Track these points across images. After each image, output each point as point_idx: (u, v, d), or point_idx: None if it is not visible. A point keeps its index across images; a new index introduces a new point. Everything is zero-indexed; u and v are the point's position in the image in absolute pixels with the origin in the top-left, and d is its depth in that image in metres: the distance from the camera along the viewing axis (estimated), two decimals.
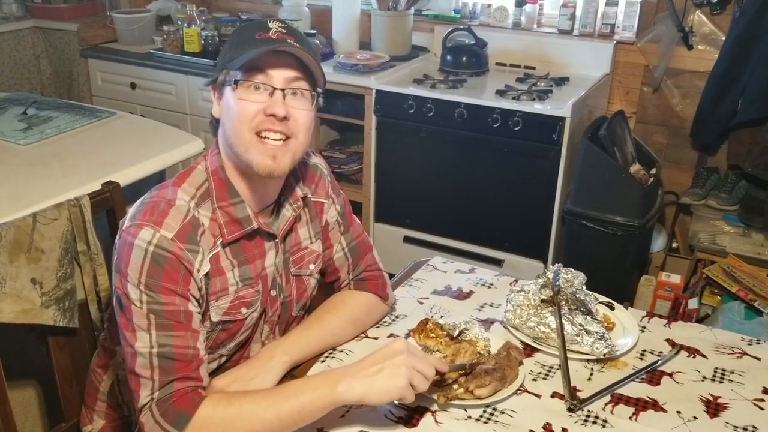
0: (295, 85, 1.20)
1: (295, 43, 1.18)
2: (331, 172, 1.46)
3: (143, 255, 1.13)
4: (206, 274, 1.19)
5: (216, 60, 1.31)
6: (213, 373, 1.33)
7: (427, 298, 1.58)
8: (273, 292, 1.33)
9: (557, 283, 1.43)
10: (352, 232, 1.45)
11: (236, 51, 1.18)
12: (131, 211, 1.20)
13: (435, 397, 1.20)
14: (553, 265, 1.50)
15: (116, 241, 1.19)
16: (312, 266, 1.39)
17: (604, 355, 1.34)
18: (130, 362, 1.14)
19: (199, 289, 1.19)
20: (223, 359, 1.34)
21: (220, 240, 1.22)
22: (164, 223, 1.14)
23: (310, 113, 1.23)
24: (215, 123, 1.27)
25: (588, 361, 1.36)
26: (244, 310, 1.27)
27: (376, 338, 1.42)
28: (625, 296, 2.71)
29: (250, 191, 1.25)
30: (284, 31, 1.18)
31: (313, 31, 3.45)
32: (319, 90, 1.24)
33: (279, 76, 1.18)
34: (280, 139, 1.19)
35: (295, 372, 1.30)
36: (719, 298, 2.61)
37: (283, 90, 1.18)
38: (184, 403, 1.11)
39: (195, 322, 1.17)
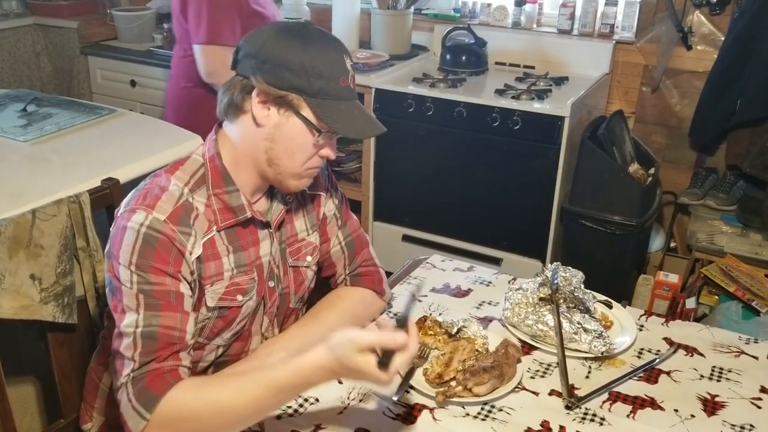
0: None
1: (357, 90, 1.23)
2: (329, 168, 1.46)
3: (135, 236, 1.14)
4: (199, 258, 1.20)
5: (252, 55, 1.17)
6: (210, 366, 1.33)
7: (426, 296, 1.58)
8: (271, 283, 1.33)
9: (555, 281, 1.43)
10: (349, 227, 1.46)
11: (320, 90, 1.16)
12: (126, 198, 1.22)
13: (433, 394, 1.21)
14: (551, 263, 1.50)
15: (111, 229, 1.20)
16: (309, 258, 1.40)
17: (602, 353, 1.34)
18: (116, 342, 1.14)
19: (192, 273, 1.19)
20: (221, 351, 1.34)
21: (215, 225, 1.23)
22: (157, 206, 1.16)
23: None
24: (234, 111, 1.21)
25: (586, 359, 1.36)
26: (239, 297, 1.27)
27: None
28: (623, 295, 2.72)
29: (247, 180, 1.26)
30: (354, 74, 1.22)
31: None
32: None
33: None
34: None
35: None
36: (717, 297, 2.62)
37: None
38: (157, 384, 1.10)
39: (186, 304, 1.17)
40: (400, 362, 1.04)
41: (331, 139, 1.22)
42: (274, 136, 1.19)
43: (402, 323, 1.06)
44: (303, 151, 1.20)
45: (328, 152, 1.24)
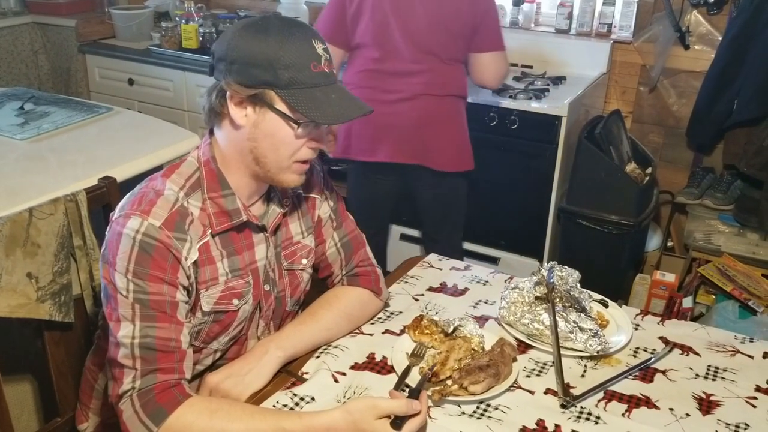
0: None
1: (334, 72, 1.20)
2: (324, 170, 1.46)
3: (131, 244, 1.14)
4: (195, 263, 1.20)
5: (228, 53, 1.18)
6: (207, 370, 1.34)
7: (423, 295, 1.59)
8: (267, 287, 1.33)
9: (551, 280, 1.43)
10: (345, 228, 1.46)
11: (291, 80, 1.13)
12: (121, 202, 1.21)
13: (429, 393, 1.21)
14: (548, 262, 1.51)
15: (106, 232, 1.20)
16: (304, 261, 1.40)
17: (598, 352, 1.35)
18: (112, 351, 1.15)
19: (188, 277, 1.19)
20: (218, 354, 1.34)
21: (210, 230, 1.22)
22: (152, 212, 1.15)
23: None
24: (217, 115, 1.21)
25: (581, 358, 1.36)
26: (235, 302, 1.27)
27: (371, 334, 1.42)
28: (620, 295, 2.73)
29: (243, 185, 1.26)
30: (328, 57, 1.19)
31: None
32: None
33: None
34: None
35: (289, 367, 1.31)
36: (714, 297, 2.62)
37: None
38: (165, 399, 1.11)
39: (180, 313, 1.18)
40: (411, 427, 1.09)
41: (316, 128, 1.20)
42: (255, 135, 1.18)
43: (415, 395, 1.14)
44: (286, 145, 1.19)
45: (317, 143, 1.21)
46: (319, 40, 1.17)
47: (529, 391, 1.27)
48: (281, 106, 1.15)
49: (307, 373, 1.30)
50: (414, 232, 3.09)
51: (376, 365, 1.32)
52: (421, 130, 2.35)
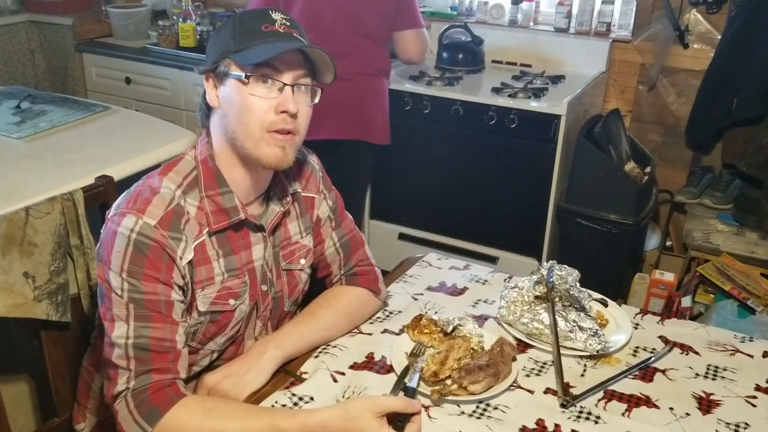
0: (302, 80, 1.21)
1: (300, 37, 1.20)
2: (323, 169, 1.46)
3: (126, 242, 1.13)
4: (190, 262, 1.19)
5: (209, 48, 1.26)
6: (204, 371, 1.33)
7: (422, 294, 1.58)
8: (264, 287, 1.33)
9: (551, 279, 1.43)
10: (344, 228, 1.46)
11: (241, 42, 1.17)
12: (117, 200, 1.21)
13: (429, 393, 1.21)
14: (547, 262, 1.50)
15: (102, 230, 1.19)
16: (303, 261, 1.39)
17: (598, 351, 1.34)
18: (107, 352, 1.15)
19: (183, 277, 1.18)
20: (215, 355, 1.33)
21: (206, 229, 1.22)
22: (147, 211, 1.15)
23: (311, 109, 1.24)
24: (206, 110, 1.27)
25: (581, 357, 1.36)
26: (232, 302, 1.27)
27: (369, 334, 1.41)
28: (619, 294, 2.72)
29: (240, 181, 1.25)
30: (288, 24, 1.20)
31: None
32: (321, 84, 1.25)
33: (288, 71, 1.19)
34: (288, 133, 1.21)
35: (288, 367, 1.30)
36: (712, 296, 2.62)
37: (292, 86, 1.19)
38: (159, 399, 1.11)
39: (176, 312, 1.17)
40: (412, 430, 1.10)
41: (270, 88, 1.17)
42: (225, 109, 1.21)
43: (411, 394, 1.15)
44: (249, 111, 1.18)
45: (284, 105, 1.18)
46: (280, 12, 1.20)
47: (529, 391, 1.26)
48: (234, 68, 1.18)
49: (306, 372, 1.29)
50: (414, 232, 3.09)
51: (375, 365, 1.32)
52: (360, 106, 2.56)
